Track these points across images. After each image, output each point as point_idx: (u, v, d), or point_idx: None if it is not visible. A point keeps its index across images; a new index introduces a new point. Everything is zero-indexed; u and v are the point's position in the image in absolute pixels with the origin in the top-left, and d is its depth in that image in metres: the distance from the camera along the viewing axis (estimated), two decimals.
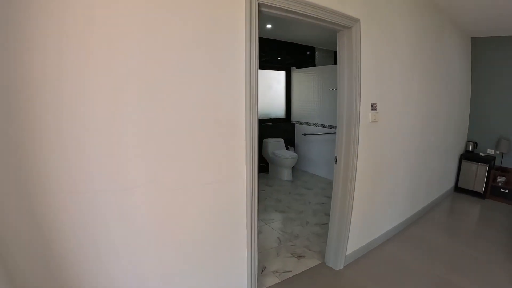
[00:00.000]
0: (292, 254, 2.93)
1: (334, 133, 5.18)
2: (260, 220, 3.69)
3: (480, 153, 4.84)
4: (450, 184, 4.81)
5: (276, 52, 5.69)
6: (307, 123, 5.95)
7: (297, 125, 6.23)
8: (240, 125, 1.79)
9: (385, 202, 3.17)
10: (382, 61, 2.68)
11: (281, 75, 6.11)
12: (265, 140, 5.70)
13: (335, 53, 6.92)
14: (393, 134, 3.02)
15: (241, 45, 1.72)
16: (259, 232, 3.37)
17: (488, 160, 4.57)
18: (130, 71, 1.37)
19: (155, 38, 1.42)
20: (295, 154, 5.38)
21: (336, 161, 2.56)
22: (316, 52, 6.24)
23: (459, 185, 4.86)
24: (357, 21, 2.34)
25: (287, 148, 6.00)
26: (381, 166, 2.95)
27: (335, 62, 6.71)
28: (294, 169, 5.71)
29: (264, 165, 5.86)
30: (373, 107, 2.58)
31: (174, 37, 1.47)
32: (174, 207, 1.61)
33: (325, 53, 6.36)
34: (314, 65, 6.10)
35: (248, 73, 1.75)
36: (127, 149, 1.41)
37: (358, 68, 2.39)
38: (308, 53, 6.14)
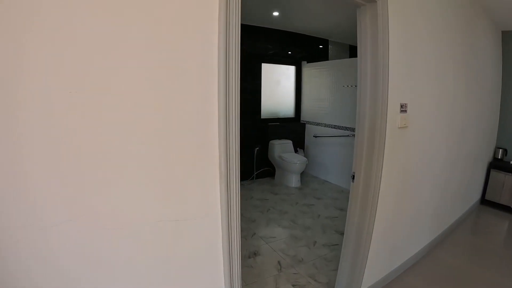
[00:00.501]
0: (293, 286, 2.44)
1: (348, 135, 4.69)
2: (260, 237, 3.21)
3: (511, 162, 4.23)
4: (476, 196, 4.24)
5: (285, 44, 5.18)
6: (318, 124, 5.43)
7: (307, 126, 5.71)
8: (210, 135, 1.28)
9: (410, 223, 2.65)
10: (414, 50, 2.15)
11: (290, 70, 5.59)
12: (271, 142, 5.22)
13: (351, 47, 6.58)
14: (423, 143, 2.48)
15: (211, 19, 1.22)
16: (257, 254, 2.89)
17: None
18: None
19: None
20: (305, 158, 4.87)
21: (353, 178, 2.05)
22: (330, 46, 5.72)
23: (486, 197, 4.28)
24: None
25: (295, 151, 5.49)
26: (407, 182, 2.42)
27: (351, 56, 6.48)
28: (303, 174, 5.21)
29: (270, 169, 5.38)
30: (403, 109, 2.05)
31: None
32: (107, 253, 1.12)
33: (340, 47, 5.83)
34: (327, 59, 5.57)
35: (223, 64, 1.24)
36: (38, 175, 0.94)
37: (385, 56, 1.85)
38: (320, 46, 5.62)
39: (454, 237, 3.34)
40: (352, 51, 5.99)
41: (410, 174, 2.43)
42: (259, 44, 4.89)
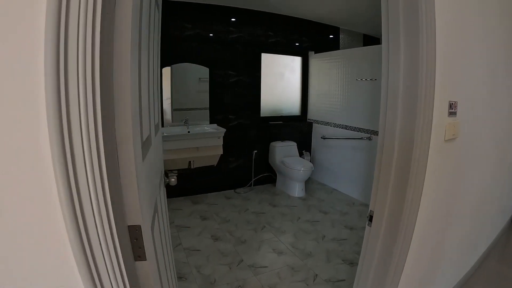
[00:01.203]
0: None
1: (362, 138, 4.09)
2: (248, 267, 2.64)
3: None
4: (507, 215, 3.56)
5: (289, 32, 4.57)
6: (327, 124, 4.81)
7: (314, 125, 5.10)
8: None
9: (447, 263, 2.04)
10: (467, 26, 1.52)
11: (295, 61, 4.98)
12: (272, 144, 4.63)
13: (365, 36, 5.90)
14: (473, 159, 1.84)
15: None
16: None
17: None
18: None
19: None
20: (310, 164, 4.27)
21: (370, 220, 1.44)
22: (341, 35, 5.10)
23: None
24: None
25: (300, 155, 4.89)
26: (450, 214, 1.80)
27: (365, 45, 5.84)
28: (308, 180, 4.61)
29: (271, 175, 4.80)
30: (452, 110, 1.39)
31: None
32: None
33: (352, 36, 5.20)
34: (338, 49, 4.94)
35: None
36: None
37: (430, 29, 1.17)
38: (331, 36, 4.98)
39: (488, 268, 2.70)
40: (367, 41, 5.34)
41: (457, 199, 1.80)
42: (258, 31, 4.29)
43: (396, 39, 1.21)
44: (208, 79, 4.04)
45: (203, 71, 4.00)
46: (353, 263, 2.69)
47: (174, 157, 3.63)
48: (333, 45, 5.00)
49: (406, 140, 1.23)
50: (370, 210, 1.43)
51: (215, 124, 4.14)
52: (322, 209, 3.92)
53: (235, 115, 4.32)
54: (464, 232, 2.13)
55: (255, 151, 4.55)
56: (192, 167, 3.84)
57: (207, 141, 3.76)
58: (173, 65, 3.86)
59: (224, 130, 3.87)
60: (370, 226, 1.43)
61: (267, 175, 4.77)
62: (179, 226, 3.36)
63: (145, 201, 0.80)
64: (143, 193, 0.77)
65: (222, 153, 3.92)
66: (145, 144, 0.92)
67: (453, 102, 1.33)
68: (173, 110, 4.00)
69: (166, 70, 3.84)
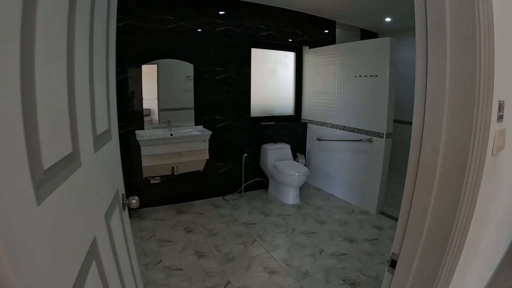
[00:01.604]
0: None
1: (362, 140, 3.83)
2: None
3: None
4: None
5: (282, 25, 4.27)
6: (323, 124, 4.53)
7: (309, 126, 4.81)
8: None
9: None
10: None
11: (288, 56, 4.69)
12: (263, 146, 4.33)
13: (363, 31, 5.58)
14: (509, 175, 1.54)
15: None
16: None
17: None
18: None
19: None
20: (305, 169, 3.98)
21: (392, 265, 1.12)
22: (337, 29, 4.82)
23: None
24: None
25: (294, 158, 4.61)
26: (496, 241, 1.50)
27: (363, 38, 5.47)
28: (303, 186, 4.32)
29: (263, 180, 4.50)
30: (501, 113, 1.08)
31: None
32: None
33: (349, 30, 4.94)
34: (334, 44, 4.66)
35: None
36: None
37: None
38: (326, 31, 4.70)
39: None
40: (364, 36, 5.07)
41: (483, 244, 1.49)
42: (248, 24, 3.98)
43: (440, 25, 0.90)
44: (192, 76, 3.72)
45: (190, 68, 3.70)
46: (355, 284, 2.40)
47: (155, 163, 3.32)
48: (329, 40, 4.71)
49: (456, 155, 0.90)
50: (393, 253, 1.10)
51: (201, 126, 3.83)
52: (318, 219, 3.63)
53: (222, 115, 4.01)
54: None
55: (245, 155, 4.24)
56: (175, 173, 3.53)
57: (191, 145, 3.45)
58: (159, 62, 3.57)
59: (209, 132, 3.55)
60: (393, 274, 1.10)
61: (259, 180, 4.48)
62: (161, 240, 3.05)
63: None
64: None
65: (208, 157, 3.61)
66: (64, 168, 0.61)
67: (502, 102, 1.03)
68: (160, 110, 3.71)
69: (152, 68, 3.55)
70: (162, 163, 3.36)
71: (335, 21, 4.73)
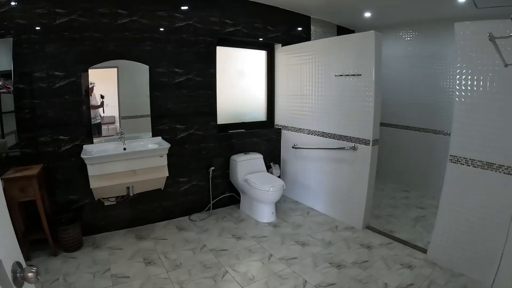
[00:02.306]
0: None
1: (344, 148, 3.56)
2: None
3: None
4: None
5: (252, 20, 3.95)
6: (299, 130, 4.24)
7: (284, 132, 4.51)
8: None
9: None
10: None
11: (259, 56, 4.38)
12: (233, 157, 3.99)
13: (339, 28, 5.25)
14: None
15: None
16: None
17: None
18: None
19: None
20: (281, 182, 3.66)
21: None
22: (312, 26, 4.58)
23: None
24: None
25: (268, 169, 4.28)
26: None
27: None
28: (279, 199, 3.97)
29: (234, 195, 4.14)
30: None
31: None
32: None
33: (324, 27, 4.75)
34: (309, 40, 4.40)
35: None
36: None
37: None
38: (300, 28, 4.44)
39: None
40: (341, 34, 4.85)
41: None
42: (212, 18, 3.62)
43: None
44: (148, 80, 3.31)
45: (146, 70, 3.30)
46: None
47: (105, 184, 2.88)
48: (304, 38, 4.45)
49: None
50: None
51: (159, 137, 3.41)
52: (299, 239, 3.31)
53: (184, 124, 3.62)
54: None
55: (212, 168, 3.86)
56: (131, 194, 3.11)
57: (146, 162, 3.02)
58: (119, 65, 3.19)
59: (167, 146, 3.14)
60: None
61: (229, 196, 4.12)
62: (116, 276, 2.61)
63: None
64: None
65: (167, 175, 3.20)
66: None
67: None
68: (121, 118, 3.31)
69: (112, 72, 3.17)
70: (114, 183, 2.92)
71: (309, 17, 4.48)
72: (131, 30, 3.13)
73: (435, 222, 2.88)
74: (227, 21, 3.72)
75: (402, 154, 5.13)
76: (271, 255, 3.00)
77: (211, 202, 3.95)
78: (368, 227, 3.58)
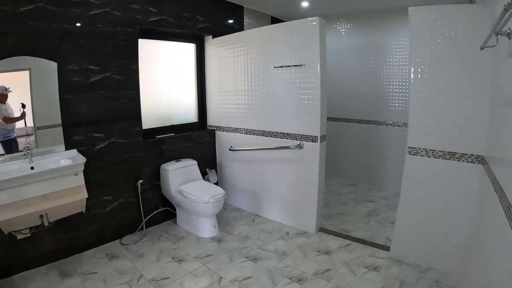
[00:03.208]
0: None
1: (289, 146, 3.52)
2: None
3: None
4: None
5: (179, 9, 3.68)
6: (236, 130, 4.09)
7: (218, 134, 4.32)
8: None
9: None
10: None
11: (187, 49, 4.12)
12: (163, 167, 3.69)
13: (273, 19, 4.94)
14: None
15: None
16: None
17: None
18: None
19: None
20: (221, 191, 3.45)
21: None
22: (245, 17, 4.47)
23: None
24: None
25: (204, 175, 4.05)
26: None
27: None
28: (221, 209, 3.75)
29: (169, 209, 3.83)
30: None
31: None
32: None
33: (258, 18, 4.72)
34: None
35: None
36: None
37: None
38: (232, 19, 4.28)
39: None
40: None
41: None
42: (134, 5, 3.25)
43: None
44: (57, 80, 2.83)
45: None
46: None
47: (11, 215, 2.36)
48: (236, 29, 4.35)
49: None
50: None
51: (74, 150, 2.95)
52: (249, 254, 3.14)
53: (103, 131, 3.19)
54: None
55: (140, 181, 3.49)
56: (46, 223, 2.62)
57: (58, 183, 2.56)
58: (32, 67, 2.70)
59: (82, 160, 2.70)
60: None
61: (164, 210, 3.80)
62: None
63: None
64: None
65: (86, 196, 2.77)
66: None
67: None
68: (36, 129, 2.82)
69: (23, 75, 2.68)
70: (23, 213, 2.42)
71: (243, 7, 4.35)
72: (36, 19, 2.62)
73: (396, 218, 2.95)
74: (151, 9, 3.38)
75: (344, 148, 5.32)
76: (221, 277, 2.78)
77: (144, 221, 3.58)
78: (321, 230, 3.58)
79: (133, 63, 3.37)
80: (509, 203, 1.47)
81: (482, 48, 2.06)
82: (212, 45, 4.13)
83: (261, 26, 4.67)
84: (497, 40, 1.84)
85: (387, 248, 3.09)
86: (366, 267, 2.85)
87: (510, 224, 1.39)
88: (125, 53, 3.28)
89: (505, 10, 1.25)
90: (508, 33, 1.68)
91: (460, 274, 2.56)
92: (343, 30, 5.07)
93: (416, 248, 2.87)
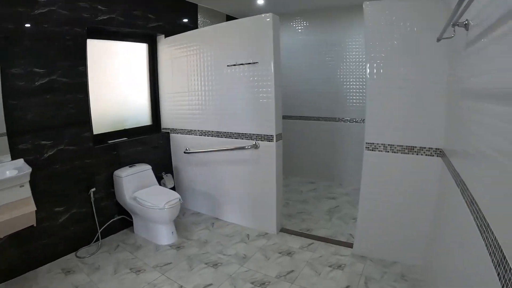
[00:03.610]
0: None
1: (244, 147, 3.57)
2: None
3: None
4: None
5: (130, 7, 3.61)
6: (190, 132, 4.10)
7: (173, 136, 4.30)
8: None
9: None
10: None
11: (139, 49, 4.06)
12: (116, 173, 3.62)
13: (228, 17, 4.96)
14: None
15: None
16: None
17: None
18: None
19: None
20: (176, 195, 3.43)
21: None
22: (199, 16, 4.50)
23: None
24: None
25: (160, 180, 4.01)
26: None
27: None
28: (179, 214, 3.73)
29: (125, 217, 3.76)
30: None
31: None
32: None
33: (213, 17, 4.77)
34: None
35: None
36: None
37: None
38: (186, 18, 4.30)
39: None
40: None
41: None
42: (81, 3, 3.14)
43: None
44: (0, 85, 2.68)
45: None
46: None
47: None
48: (191, 28, 4.31)
49: None
50: None
51: (21, 160, 2.81)
52: (209, 259, 3.17)
53: (51, 138, 3.06)
54: None
55: (93, 190, 3.39)
56: None
57: (1, 197, 2.44)
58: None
59: (28, 171, 2.57)
60: None
61: (120, 219, 3.73)
62: None
63: None
64: None
65: (35, 208, 2.64)
66: None
67: None
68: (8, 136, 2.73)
69: None
70: None
71: (197, 5, 4.33)
72: None
73: (358, 214, 3.06)
74: (100, 7, 3.28)
75: (303, 145, 5.49)
76: (181, 286, 2.77)
77: (99, 231, 3.48)
78: (282, 230, 3.68)
79: (81, 65, 3.25)
80: (471, 195, 1.55)
81: (438, 40, 2.11)
82: (165, 45, 4.09)
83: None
84: (454, 31, 1.90)
85: (350, 245, 3.22)
86: (330, 266, 2.95)
87: (472, 217, 1.47)
88: (72, 54, 3.16)
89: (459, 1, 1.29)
90: (466, 24, 1.74)
91: (424, 267, 2.68)
92: (300, 27, 5.23)
93: (379, 243, 2.99)
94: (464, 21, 1.73)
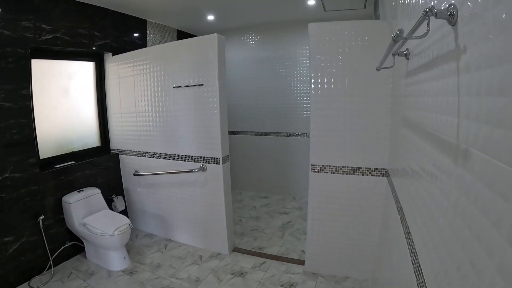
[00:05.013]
0: None
1: (192, 170, 3.81)
2: None
3: None
4: None
5: (74, 24, 3.81)
6: (139, 153, 4.36)
7: (122, 157, 4.53)
8: None
9: None
10: None
11: (86, 68, 4.26)
12: (64, 199, 3.79)
13: (179, 33, 5.40)
14: None
15: None
16: None
17: None
18: None
19: None
20: (126, 221, 3.66)
21: None
22: (149, 31, 4.74)
23: None
24: None
25: (110, 203, 4.20)
26: None
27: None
28: (131, 236, 3.94)
29: (77, 243, 3.94)
30: None
31: None
32: None
33: (163, 32, 5.03)
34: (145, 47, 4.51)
35: None
36: None
37: None
38: (135, 34, 4.55)
39: None
40: (182, 38, 5.13)
41: None
42: (25, 22, 3.31)
43: None
44: None
45: None
46: None
47: None
48: (139, 45, 4.57)
49: None
50: None
51: None
52: (162, 284, 3.40)
53: None
54: None
55: (42, 217, 3.55)
56: None
57: None
58: None
59: None
60: None
61: (72, 245, 3.90)
62: None
63: None
64: None
65: None
66: None
67: None
68: None
69: None
70: None
71: (146, 21, 4.58)
72: None
73: (307, 231, 3.33)
74: (44, 26, 3.48)
75: (256, 160, 5.85)
76: None
77: (51, 259, 3.64)
78: (235, 250, 3.95)
79: (25, 88, 3.39)
80: (403, 214, 1.80)
81: (378, 69, 2.24)
82: (112, 63, 4.31)
83: (166, 40, 4.98)
84: (394, 61, 2.09)
85: (302, 262, 3.47)
86: (282, 285, 3.22)
87: (405, 238, 1.70)
88: (15, 76, 3.31)
89: (394, 41, 1.32)
90: (406, 53, 1.84)
91: (374, 280, 2.92)
92: (252, 42, 5.60)
93: (330, 259, 3.26)
94: (405, 51, 1.85)
